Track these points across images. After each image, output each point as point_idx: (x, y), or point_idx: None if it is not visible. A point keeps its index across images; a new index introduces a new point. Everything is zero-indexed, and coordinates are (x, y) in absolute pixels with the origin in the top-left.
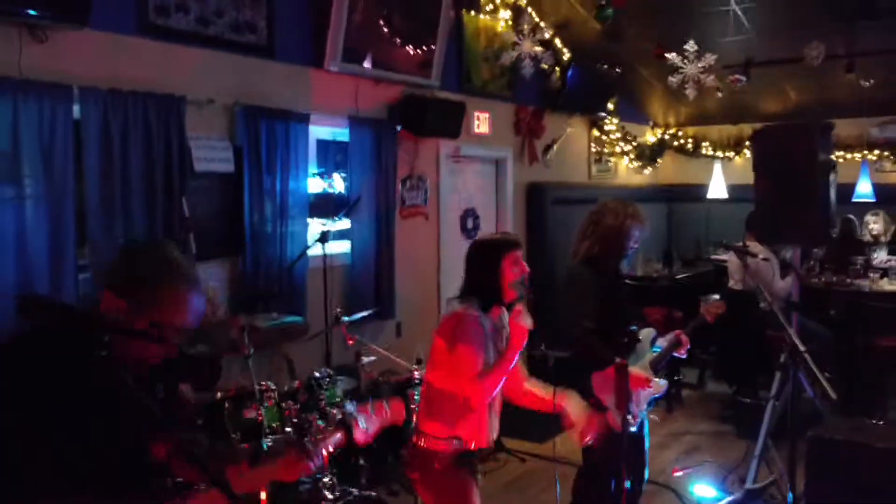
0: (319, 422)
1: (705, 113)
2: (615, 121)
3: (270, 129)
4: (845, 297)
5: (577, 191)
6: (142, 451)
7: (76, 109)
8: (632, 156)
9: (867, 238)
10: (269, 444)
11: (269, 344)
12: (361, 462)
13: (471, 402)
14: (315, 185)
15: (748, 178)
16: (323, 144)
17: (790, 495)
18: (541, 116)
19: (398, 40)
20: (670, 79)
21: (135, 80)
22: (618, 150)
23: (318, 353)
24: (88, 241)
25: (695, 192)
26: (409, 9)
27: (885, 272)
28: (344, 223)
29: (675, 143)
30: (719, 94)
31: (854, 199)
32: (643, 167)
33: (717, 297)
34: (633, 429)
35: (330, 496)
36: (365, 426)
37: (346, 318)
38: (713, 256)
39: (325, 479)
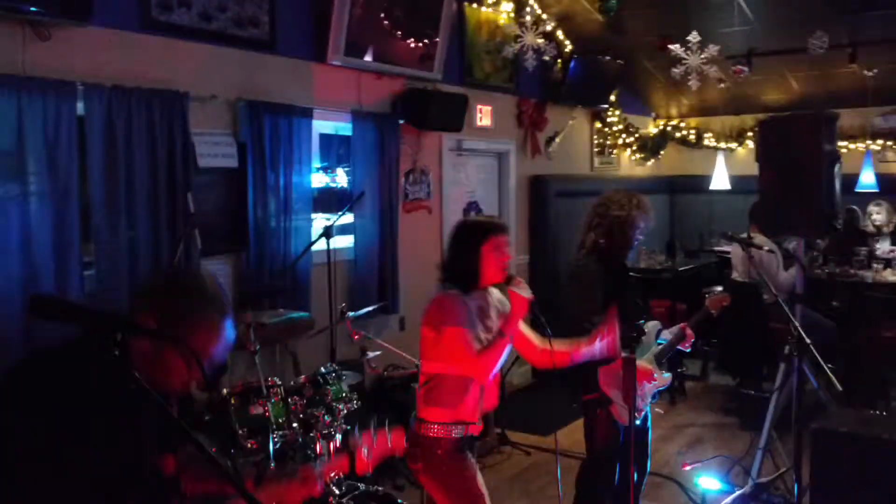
0: (326, 417)
1: (707, 104)
2: (617, 112)
3: (274, 124)
4: (849, 288)
5: (579, 183)
6: (143, 455)
7: (80, 106)
8: (634, 147)
9: (870, 229)
10: (273, 465)
11: (275, 340)
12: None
13: (475, 380)
14: (318, 180)
15: (751, 169)
16: (326, 139)
17: (796, 487)
18: (543, 109)
19: (399, 33)
20: (673, 70)
21: (138, 76)
22: (620, 142)
23: (323, 348)
24: (93, 237)
25: (697, 184)
26: (411, 2)
27: (888, 263)
28: (347, 218)
29: (678, 135)
30: (721, 86)
31: (857, 190)
32: (646, 159)
33: (720, 288)
34: (637, 422)
35: (337, 491)
36: (368, 456)
37: (351, 314)
38: (716, 248)
39: (332, 475)
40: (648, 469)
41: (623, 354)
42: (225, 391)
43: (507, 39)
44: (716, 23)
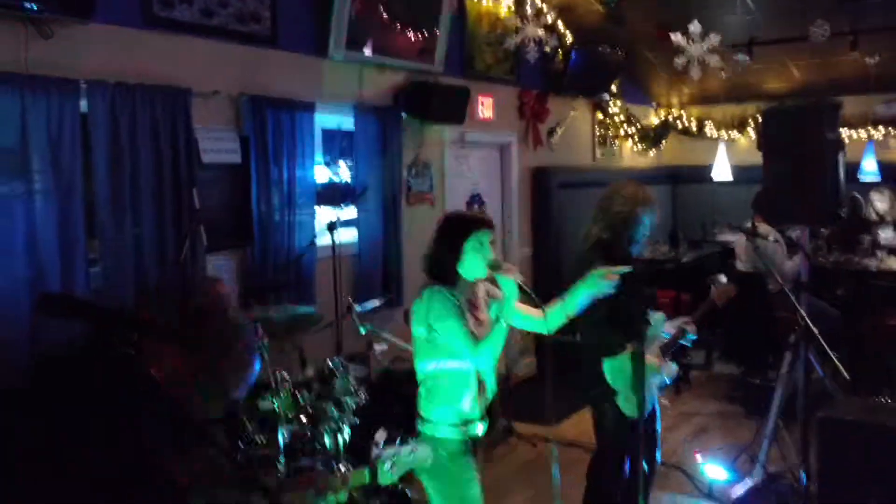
0: (334, 411)
1: (708, 93)
2: (619, 103)
3: (276, 119)
4: (853, 276)
5: (582, 174)
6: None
7: (83, 104)
8: (636, 138)
9: (873, 217)
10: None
11: (282, 334)
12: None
13: (474, 372)
14: (321, 175)
15: (752, 158)
16: (329, 133)
17: (804, 476)
18: (544, 100)
19: (399, 26)
20: (675, 60)
21: (140, 73)
22: (622, 132)
23: (329, 342)
24: (98, 235)
25: (699, 174)
26: None
27: (892, 250)
28: (351, 211)
29: (679, 125)
30: (723, 75)
31: (859, 177)
32: (647, 149)
33: (724, 279)
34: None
35: (355, 493)
36: (392, 470)
37: (358, 308)
38: (719, 238)
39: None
40: (659, 461)
41: (630, 347)
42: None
43: (508, 31)
44: (717, 11)
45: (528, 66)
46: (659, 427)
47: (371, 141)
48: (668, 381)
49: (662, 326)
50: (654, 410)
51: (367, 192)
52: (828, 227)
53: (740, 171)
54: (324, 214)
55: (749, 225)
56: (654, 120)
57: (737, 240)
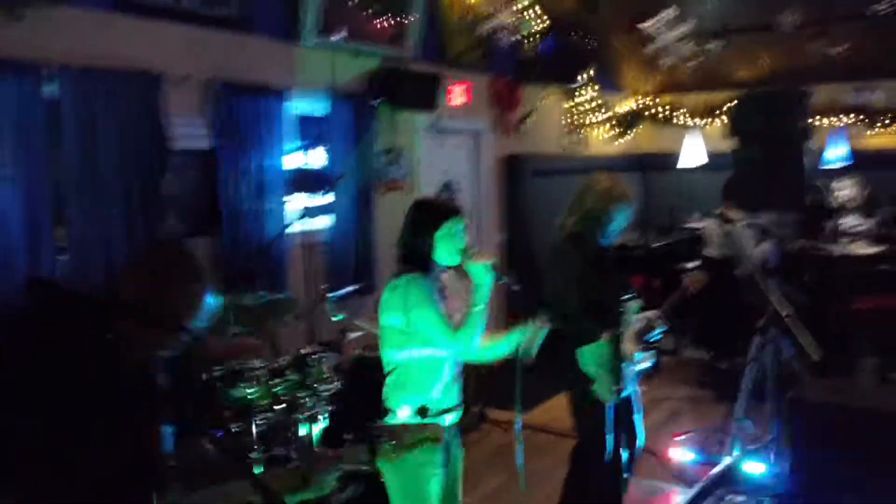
0: (308, 399)
1: (679, 81)
2: (591, 90)
3: (247, 105)
4: (818, 262)
5: (555, 162)
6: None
7: (52, 89)
8: (607, 125)
9: (835, 205)
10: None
11: (255, 322)
12: None
13: (447, 359)
14: (296, 161)
15: (723, 145)
16: (304, 119)
17: (773, 456)
18: (516, 87)
19: (370, 11)
20: (648, 47)
21: (110, 57)
22: (593, 119)
23: (302, 329)
24: (66, 223)
25: (669, 161)
26: None
27: (855, 237)
28: (326, 198)
29: (650, 112)
30: (692, 63)
31: (827, 165)
32: (618, 136)
33: (693, 264)
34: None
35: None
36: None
37: (331, 295)
38: (688, 224)
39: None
40: (641, 445)
41: (606, 334)
42: (204, 376)
43: (480, 18)
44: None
45: (500, 53)
46: (641, 414)
47: (345, 127)
48: (648, 368)
49: (636, 314)
50: (629, 398)
51: (341, 179)
52: (796, 213)
53: (710, 158)
54: (298, 201)
55: (718, 211)
56: (625, 107)
57: (706, 225)
